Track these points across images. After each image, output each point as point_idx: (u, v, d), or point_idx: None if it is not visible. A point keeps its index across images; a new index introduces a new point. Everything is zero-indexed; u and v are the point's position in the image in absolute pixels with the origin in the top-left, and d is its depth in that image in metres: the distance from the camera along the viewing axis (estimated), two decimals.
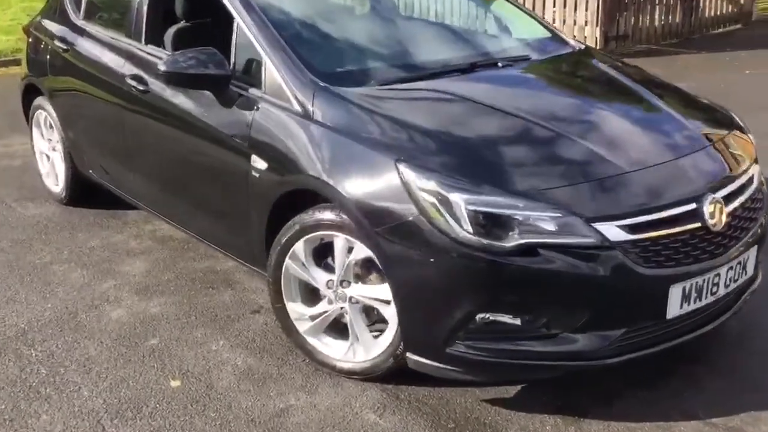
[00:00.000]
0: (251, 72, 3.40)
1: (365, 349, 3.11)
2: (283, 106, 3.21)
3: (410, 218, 2.74)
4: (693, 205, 2.81)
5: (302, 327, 3.25)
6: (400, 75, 3.35)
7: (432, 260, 2.72)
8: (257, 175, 3.26)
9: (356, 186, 2.88)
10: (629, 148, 2.99)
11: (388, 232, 2.79)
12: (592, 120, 3.20)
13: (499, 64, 3.54)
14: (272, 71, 3.28)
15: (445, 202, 2.69)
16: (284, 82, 3.23)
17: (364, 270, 3.08)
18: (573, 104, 3.35)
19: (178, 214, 4.03)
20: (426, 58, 3.59)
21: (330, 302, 3.15)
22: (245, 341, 3.49)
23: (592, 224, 2.65)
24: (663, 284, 2.74)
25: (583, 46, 4.03)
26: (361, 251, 2.97)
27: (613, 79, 3.65)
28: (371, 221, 2.82)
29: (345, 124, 3.03)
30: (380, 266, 2.90)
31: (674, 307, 2.79)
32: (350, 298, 3.08)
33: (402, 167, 2.78)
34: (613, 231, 2.66)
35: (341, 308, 3.12)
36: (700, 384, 3.09)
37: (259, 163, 3.25)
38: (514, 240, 2.63)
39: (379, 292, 3.00)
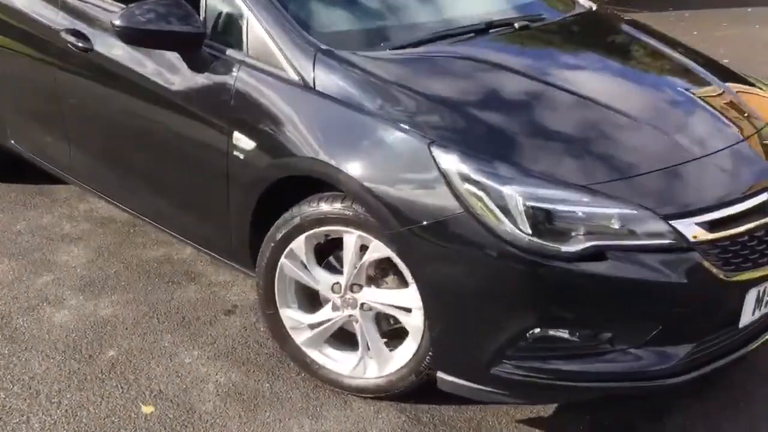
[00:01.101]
0: (229, 30, 2.80)
1: (379, 364, 2.63)
2: (274, 72, 2.64)
3: (450, 215, 2.26)
4: (766, 195, 2.43)
5: (299, 337, 2.74)
6: (413, 36, 2.80)
7: (478, 266, 2.26)
8: (241, 156, 2.70)
9: (378, 175, 2.37)
10: (694, 127, 2.58)
11: (420, 231, 2.30)
12: (646, 94, 2.77)
13: (516, 25, 3.05)
14: (258, 30, 2.70)
15: (497, 197, 2.22)
16: (275, 43, 2.65)
17: (380, 272, 2.59)
18: (619, 75, 2.90)
19: (127, 195, 3.41)
20: (435, 17, 3.05)
21: (335, 309, 2.65)
22: (224, 351, 2.95)
23: (669, 221, 2.23)
24: (741, 289, 2.36)
25: (593, 6, 3.57)
26: (378, 251, 2.48)
27: (648, 44, 3.20)
28: (398, 218, 2.33)
29: (358, 97, 2.49)
30: (406, 269, 2.42)
31: (747, 314, 2.42)
32: (362, 304, 2.59)
33: (438, 153, 2.28)
34: (691, 229, 2.25)
35: (349, 316, 2.63)
36: (751, 394, 2.76)
37: (243, 142, 2.68)
38: (579, 242, 2.20)
39: (398, 298, 2.52)
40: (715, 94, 2.86)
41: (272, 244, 2.65)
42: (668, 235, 2.23)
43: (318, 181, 2.54)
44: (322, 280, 2.64)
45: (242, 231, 2.81)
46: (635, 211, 2.22)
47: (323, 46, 2.62)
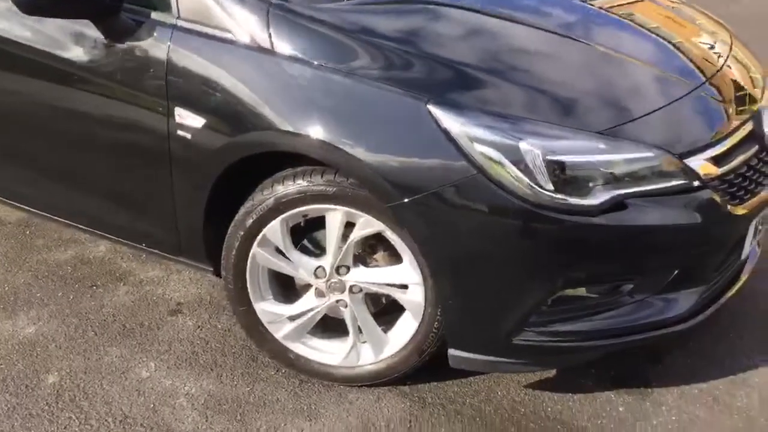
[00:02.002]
0: None
1: (374, 349, 2.40)
2: (218, 35, 2.28)
3: (460, 180, 2.04)
4: (751, 124, 2.38)
5: (280, 332, 2.45)
6: None
7: (497, 230, 2.06)
8: (188, 136, 2.33)
9: (369, 143, 2.10)
10: (676, 62, 2.48)
11: (427, 200, 2.07)
12: (631, 33, 2.62)
13: None
14: None
15: (513, 153, 2.02)
16: (215, 1, 2.29)
17: (367, 250, 2.34)
18: (592, 15, 2.72)
19: (33, 193, 2.93)
20: None
21: (320, 295, 2.38)
22: (184, 357, 2.61)
23: (684, 161, 2.13)
24: (746, 222, 2.31)
25: None
26: (369, 226, 2.23)
27: None
28: (398, 188, 2.08)
29: (328, 56, 2.19)
30: (403, 243, 2.19)
31: (747, 246, 2.39)
32: (351, 287, 2.34)
33: (438, 112, 2.05)
34: (701, 166, 2.16)
35: (337, 301, 2.37)
36: (741, 320, 2.76)
37: (189, 120, 2.32)
38: (600, 193, 2.04)
39: (395, 275, 2.29)
40: (684, 29, 2.78)
41: (241, 233, 2.33)
42: (684, 176, 2.12)
43: (287, 157, 2.24)
44: (302, 265, 2.36)
45: (193, 222, 2.46)
46: (652, 154, 2.09)
47: (275, 0, 2.29)
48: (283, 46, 2.22)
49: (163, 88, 2.33)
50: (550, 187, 2.01)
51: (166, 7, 2.35)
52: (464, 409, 2.39)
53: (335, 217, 2.25)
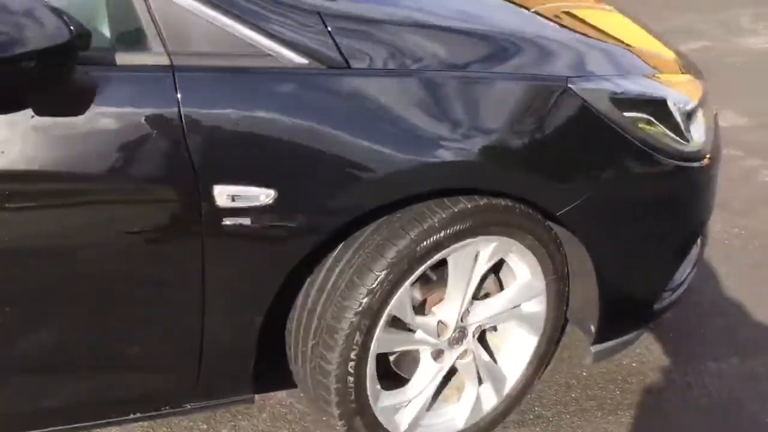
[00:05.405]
0: (117, 17, 1.49)
1: (496, 388, 2.03)
2: (251, 66, 1.54)
3: (620, 155, 1.81)
4: None
5: (404, 424, 1.88)
6: None
7: (654, 196, 1.91)
8: (244, 222, 1.56)
9: (526, 147, 1.70)
10: None
11: (596, 190, 1.79)
12: None
13: None
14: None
15: (662, 113, 1.85)
16: (239, 20, 1.52)
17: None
18: None
19: None
20: None
21: (436, 356, 1.89)
22: None
23: None
24: None
25: None
26: (497, 252, 1.84)
27: None
28: (566, 188, 1.76)
29: (438, 58, 1.67)
30: (534, 254, 1.86)
31: None
32: (473, 330, 1.91)
33: (581, 84, 1.75)
34: None
35: (460, 354, 1.92)
36: None
37: (244, 197, 1.54)
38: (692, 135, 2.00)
39: (517, 295, 1.95)
40: None
41: (353, 320, 1.68)
42: None
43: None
44: (425, 328, 1.83)
45: (239, 340, 1.69)
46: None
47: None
48: (360, 58, 1.60)
49: (183, 162, 1.49)
50: (690, 137, 1.91)
51: (140, 43, 1.48)
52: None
53: (467, 252, 1.78)
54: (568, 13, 2.22)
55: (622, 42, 2.10)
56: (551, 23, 2.03)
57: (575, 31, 2.04)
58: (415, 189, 1.63)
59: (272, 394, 2.13)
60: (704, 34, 6.04)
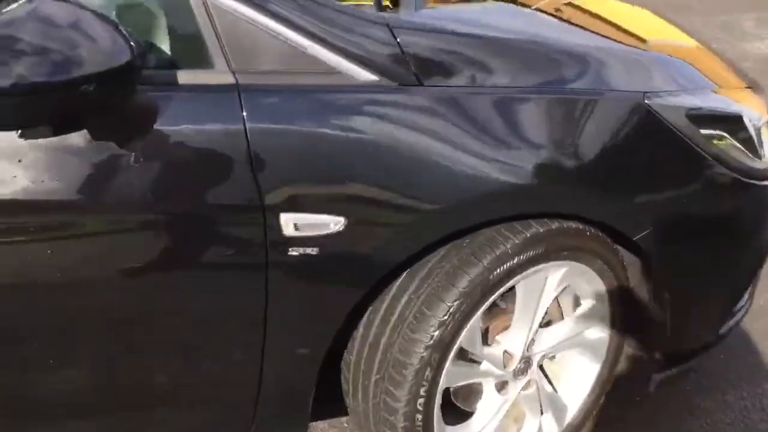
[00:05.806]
0: (177, 34, 1.38)
1: (557, 417, 1.93)
2: (321, 84, 1.43)
3: (696, 175, 1.72)
4: None
5: None
6: None
7: (727, 215, 1.83)
8: (311, 251, 1.45)
9: (606, 169, 1.61)
10: None
11: (672, 212, 1.69)
12: None
13: None
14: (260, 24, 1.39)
15: (737, 129, 1.76)
16: (306, 34, 1.41)
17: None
18: None
19: None
20: None
21: (500, 388, 1.79)
22: None
23: None
24: None
25: None
26: (566, 278, 1.74)
27: None
28: (642, 211, 1.66)
29: (510, 75, 1.57)
30: (603, 279, 1.77)
31: None
32: (538, 360, 1.81)
33: (658, 103, 1.65)
34: None
35: (524, 385, 1.82)
36: None
37: (305, 226, 1.42)
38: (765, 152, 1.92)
39: (582, 322, 1.85)
40: None
41: (423, 355, 1.58)
42: None
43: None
44: (492, 359, 1.73)
45: (300, 370, 1.58)
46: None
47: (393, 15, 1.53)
48: (427, 73, 1.49)
49: (249, 189, 1.38)
50: (762, 154, 1.83)
51: (203, 60, 1.37)
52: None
53: (537, 278, 1.68)
54: (570, 4, 2.15)
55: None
56: (607, 39, 1.94)
57: (629, 45, 1.95)
58: (493, 214, 1.53)
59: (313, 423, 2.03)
60: (708, 39, 5.99)
